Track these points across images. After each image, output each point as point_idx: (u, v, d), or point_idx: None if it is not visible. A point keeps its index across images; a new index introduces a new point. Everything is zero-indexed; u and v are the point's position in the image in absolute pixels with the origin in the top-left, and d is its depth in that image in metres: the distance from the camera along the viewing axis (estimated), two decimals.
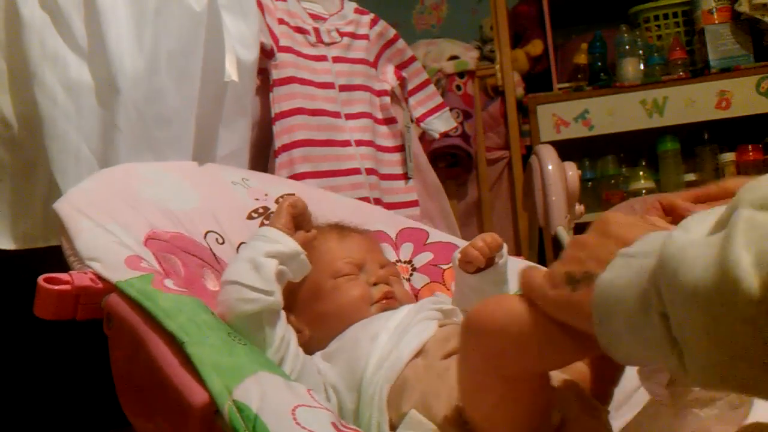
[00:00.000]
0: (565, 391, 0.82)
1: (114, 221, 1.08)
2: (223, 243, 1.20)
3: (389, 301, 1.08)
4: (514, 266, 1.05)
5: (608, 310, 0.57)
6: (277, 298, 0.98)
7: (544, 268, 0.68)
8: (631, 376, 1.00)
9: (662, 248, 0.51)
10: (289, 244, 1.04)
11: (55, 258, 1.08)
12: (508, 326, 0.68)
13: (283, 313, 1.00)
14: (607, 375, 0.85)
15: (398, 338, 0.96)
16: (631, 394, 1.00)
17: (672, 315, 0.50)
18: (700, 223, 0.51)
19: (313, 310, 1.08)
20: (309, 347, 1.03)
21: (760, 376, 0.47)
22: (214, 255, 1.16)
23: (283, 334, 0.98)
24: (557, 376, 0.83)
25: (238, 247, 1.19)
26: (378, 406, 0.90)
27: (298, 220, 1.10)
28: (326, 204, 1.39)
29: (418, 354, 0.94)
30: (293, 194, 1.27)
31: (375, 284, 1.10)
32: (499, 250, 1.07)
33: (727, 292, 0.45)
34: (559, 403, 0.79)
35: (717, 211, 0.51)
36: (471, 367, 0.75)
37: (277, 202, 1.33)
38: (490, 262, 1.07)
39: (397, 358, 0.93)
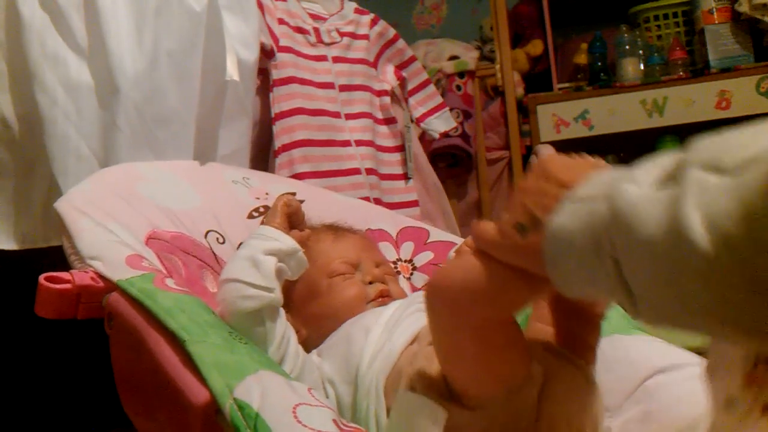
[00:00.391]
0: (542, 348, 0.84)
1: (115, 221, 1.08)
2: (223, 242, 1.20)
3: (385, 300, 1.08)
4: None
5: (560, 252, 0.60)
6: (278, 294, 0.99)
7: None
8: (631, 375, 1.00)
9: (613, 199, 0.54)
10: (286, 241, 1.05)
11: (56, 257, 1.08)
12: (466, 279, 0.71)
13: (282, 311, 1.01)
14: (583, 336, 0.86)
15: (390, 331, 0.96)
16: (632, 391, 1.00)
17: (624, 263, 0.53)
18: (647, 173, 0.53)
19: (310, 310, 1.08)
20: (306, 346, 1.04)
21: (709, 324, 0.50)
22: (215, 255, 1.17)
23: (284, 331, 0.99)
24: (532, 338, 0.85)
25: (239, 247, 1.19)
26: (375, 396, 0.90)
27: (292, 219, 1.11)
28: (327, 203, 1.39)
29: (411, 343, 0.94)
30: (290, 192, 1.27)
31: (371, 283, 1.10)
32: None
33: (680, 251, 0.48)
34: (540, 359, 0.80)
35: (661, 161, 0.54)
36: (441, 328, 0.77)
37: None
38: None
39: (391, 350, 0.93)
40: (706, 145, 0.50)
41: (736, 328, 0.49)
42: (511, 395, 0.76)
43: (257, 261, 0.99)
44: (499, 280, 0.69)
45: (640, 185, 0.53)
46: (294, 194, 1.33)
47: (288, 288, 1.05)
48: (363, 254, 1.14)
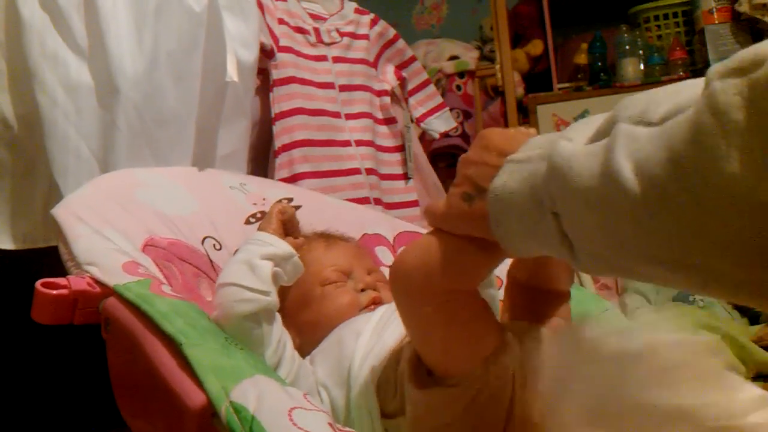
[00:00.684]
0: (512, 322, 0.87)
1: (111, 227, 1.08)
2: (220, 249, 1.20)
3: (377, 306, 1.08)
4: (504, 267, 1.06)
5: (503, 212, 0.64)
6: (274, 298, 1.00)
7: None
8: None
9: (550, 156, 0.58)
10: (282, 246, 1.05)
11: (56, 258, 1.09)
12: (423, 256, 0.75)
13: (278, 315, 1.01)
14: (552, 312, 0.89)
15: (380, 333, 0.97)
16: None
17: (563, 214, 0.58)
18: (581, 132, 0.58)
19: (303, 318, 1.08)
20: (300, 354, 1.04)
21: (640, 265, 0.54)
22: (211, 262, 1.17)
23: (280, 335, 0.99)
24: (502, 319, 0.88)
25: (235, 253, 1.19)
26: (368, 396, 0.91)
27: (287, 226, 1.12)
28: (324, 208, 1.39)
29: (401, 342, 0.94)
30: (286, 198, 1.28)
31: (363, 290, 1.10)
32: None
33: (612, 194, 0.52)
34: (512, 329, 0.82)
35: (593, 121, 0.58)
36: (409, 311, 0.79)
37: None
38: None
39: (381, 350, 0.93)
40: (633, 101, 0.55)
41: (669, 267, 0.52)
42: (489, 366, 0.77)
43: (254, 265, 1.00)
44: (453, 250, 0.73)
45: (574, 141, 0.57)
46: (291, 200, 1.33)
47: (281, 296, 1.05)
48: (355, 262, 1.14)
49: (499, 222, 0.65)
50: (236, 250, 1.10)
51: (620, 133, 0.53)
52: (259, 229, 1.10)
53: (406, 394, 0.84)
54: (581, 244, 0.58)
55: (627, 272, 0.57)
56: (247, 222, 1.28)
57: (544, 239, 0.61)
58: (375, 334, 0.97)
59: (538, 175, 0.60)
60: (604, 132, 0.55)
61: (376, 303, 1.08)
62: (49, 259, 1.16)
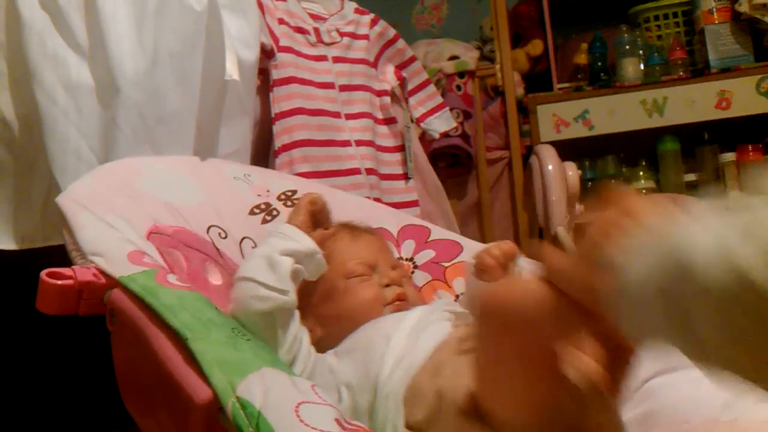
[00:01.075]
0: (571, 380, 0.82)
1: (116, 215, 1.07)
2: (225, 237, 1.19)
3: (402, 303, 1.07)
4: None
5: (625, 297, 0.58)
6: (291, 297, 0.98)
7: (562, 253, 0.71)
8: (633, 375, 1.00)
9: (677, 244, 0.53)
10: (305, 242, 1.03)
11: (55, 257, 1.08)
12: (524, 302, 0.71)
13: (296, 312, 0.99)
14: (612, 370, 0.85)
15: (415, 338, 0.95)
16: (634, 392, 1.00)
17: (688, 308, 0.52)
18: (715, 216, 0.53)
19: (326, 311, 1.07)
20: (320, 346, 1.03)
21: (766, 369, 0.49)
22: (218, 249, 1.16)
23: (296, 333, 0.98)
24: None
25: (241, 241, 1.20)
26: (394, 404, 0.89)
27: (317, 217, 1.10)
28: (329, 200, 1.39)
29: (434, 354, 0.93)
30: (288, 191, 1.27)
31: (387, 285, 1.09)
32: (514, 259, 1.06)
33: (742, 293, 0.47)
34: (570, 390, 0.79)
35: (726, 201, 0.54)
36: (489, 350, 0.76)
37: (279, 198, 1.33)
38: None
39: (413, 359, 0.92)
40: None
41: None
42: (543, 424, 0.75)
43: (273, 261, 0.98)
44: (559, 309, 0.68)
45: (707, 227, 0.52)
46: (294, 192, 1.32)
47: (305, 286, 1.04)
48: (380, 256, 1.12)
49: (617, 304, 0.60)
50: (242, 239, 1.09)
51: (752, 222, 0.48)
52: (287, 220, 1.09)
53: (445, 419, 0.83)
54: (706, 342, 0.52)
55: (759, 381, 0.51)
56: (252, 213, 1.28)
57: (666, 332, 0.55)
58: (411, 338, 0.95)
59: (664, 263, 0.55)
60: (741, 222, 0.50)
61: (401, 299, 1.07)
62: (50, 258, 1.15)
